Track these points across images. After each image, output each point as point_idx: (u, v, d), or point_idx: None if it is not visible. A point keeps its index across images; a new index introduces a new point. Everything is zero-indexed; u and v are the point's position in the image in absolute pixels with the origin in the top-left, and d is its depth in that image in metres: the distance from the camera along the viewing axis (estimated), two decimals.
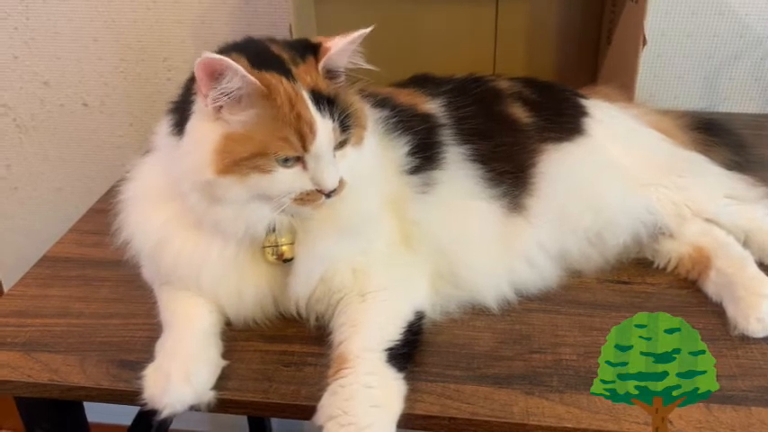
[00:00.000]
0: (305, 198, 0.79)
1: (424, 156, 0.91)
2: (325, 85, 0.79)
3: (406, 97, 1.00)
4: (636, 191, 1.00)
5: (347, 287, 0.84)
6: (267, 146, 0.75)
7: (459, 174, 0.93)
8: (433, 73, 1.09)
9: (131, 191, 0.90)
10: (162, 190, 0.85)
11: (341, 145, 0.80)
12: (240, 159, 0.75)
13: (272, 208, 0.79)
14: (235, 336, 0.87)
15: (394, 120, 0.92)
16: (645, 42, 1.15)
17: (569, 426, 0.75)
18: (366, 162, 0.83)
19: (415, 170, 0.90)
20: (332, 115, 0.77)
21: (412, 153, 0.90)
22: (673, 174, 1.02)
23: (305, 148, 0.76)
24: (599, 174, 1.00)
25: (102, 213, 0.98)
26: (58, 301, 0.96)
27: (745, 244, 0.97)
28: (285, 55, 0.79)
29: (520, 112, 1.03)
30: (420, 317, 0.84)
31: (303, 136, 0.75)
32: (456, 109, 0.99)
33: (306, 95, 0.76)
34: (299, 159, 0.77)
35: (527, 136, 1.00)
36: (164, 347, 0.81)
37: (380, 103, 0.94)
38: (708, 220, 0.99)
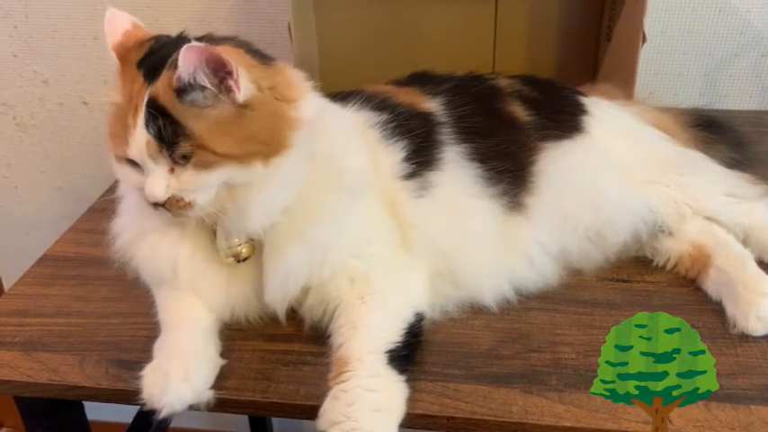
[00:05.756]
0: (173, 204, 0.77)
1: (423, 156, 0.91)
2: (166, 98, 0.74)
3: (406, 96, 1.00)
4: (636, 189, 1.00)
5: (343, 293, 0.84)
6: (112, 135, 0.79)
7: (458, 173, 0.92)
8: (433, 71, 1.09)
9: (120, 190, 0.91)
10: None
11: (183, 160, 0.75)
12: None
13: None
14: (233, 335, 0.87)
15: (392, 124, 0.91)
16: (644, 40, 1.14)
17: (568, 425, 0.75)
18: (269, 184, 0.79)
19: (413, 173, 0.89)
20: (152, 128, 0.74)
21: (410, 155, 0.90)
22: (673, 171, 1.01)
23: (125, 150, 0.77)
24: (599, 172, 1.00)
25: (102, 212, 0.97)
26: (58, 301, 0.96)
27: (745, 242, 0.97)
28: (173, 59, 0.75)
29: (519, 111, 1.02)
30: (420, 318, 0.84)
31: (125, 139, 0.76)
32: (455, 107, 0.98)
33: (144, 102, 0.75)
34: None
35: (526, 134, 1.00)
36: (162, 347, 0.81)
37: (379, 105, 0.94)
38: (708, 219, 0.99)
